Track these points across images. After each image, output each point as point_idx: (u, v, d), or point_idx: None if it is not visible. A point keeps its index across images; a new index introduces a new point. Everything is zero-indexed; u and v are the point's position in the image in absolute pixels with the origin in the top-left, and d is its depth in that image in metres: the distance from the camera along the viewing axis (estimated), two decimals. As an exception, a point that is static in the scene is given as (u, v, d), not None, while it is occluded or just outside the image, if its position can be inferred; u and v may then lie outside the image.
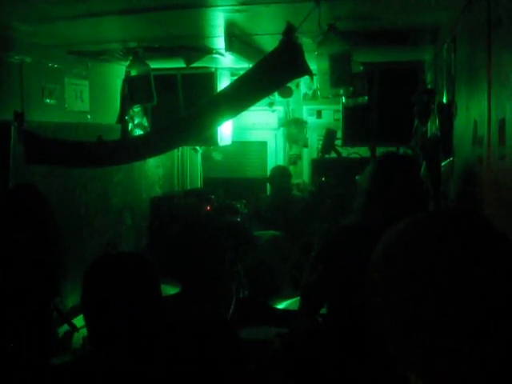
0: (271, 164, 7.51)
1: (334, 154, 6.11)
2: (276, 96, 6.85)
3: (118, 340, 1.88)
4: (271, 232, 5.24)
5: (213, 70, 6.22)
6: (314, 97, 7.23)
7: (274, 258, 5.02)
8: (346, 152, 6.19)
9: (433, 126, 4.80)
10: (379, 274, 0.98)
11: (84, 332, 3.46)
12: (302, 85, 7.22)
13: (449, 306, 0.89)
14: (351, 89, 4.16)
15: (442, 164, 4.22)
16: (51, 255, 3.79)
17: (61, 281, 3.91)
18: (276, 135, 7.56)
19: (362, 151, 6.15)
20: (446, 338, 0.89)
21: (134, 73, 5.18)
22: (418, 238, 0.96)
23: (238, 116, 5.07)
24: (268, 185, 6.47)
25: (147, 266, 2.00)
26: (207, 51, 5.16)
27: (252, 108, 4.87)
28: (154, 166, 6.82)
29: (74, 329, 4.08)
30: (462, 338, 0.88)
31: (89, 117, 5.57)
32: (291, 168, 7.06)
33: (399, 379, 1.00)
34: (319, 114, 7.39)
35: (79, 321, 3.88)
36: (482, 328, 0.88)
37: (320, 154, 6.29)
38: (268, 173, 7.37)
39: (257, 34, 4.56)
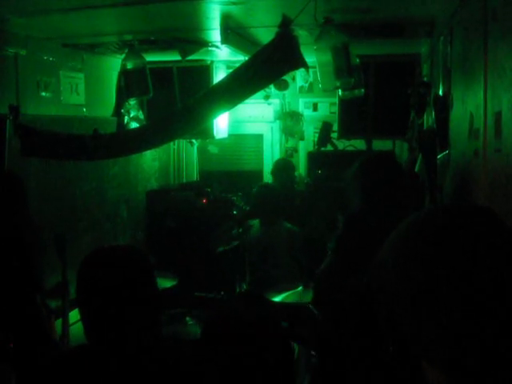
0: (267, 157, 7.51)
1: (330, 147, 6.11)
2: (272, 89, 6.84)
3: (114, 335, 1.88)
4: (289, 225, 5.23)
5: (208, 62, 6.20)
6: (310, 89, 7.23)
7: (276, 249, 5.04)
8: (342, 145, 6.19)
9: (429, 119, 4.81)
10: (392, 263, 0.99)
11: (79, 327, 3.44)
12: (298, 78, 7.21)
13: (462, 290, 0.89)
14: (352, 80, 4.16)
15: (438, 157, 4.23)
16: (29, 249, 3.77)
17: (41, 275, 3.88)
18: (272, 128, 7.55)
19: (358, 144, 6.15)
20: (460, 322, 0.89)
21: (129, 66, 5.16)
22: (429, 229, 0.97)
23: (234, 109, 5.06)
24: (265, 178, 6.46)
25: (142, 259, 2.00)
26: (203, 44, 5.15)
27: (248, 101, 4.86)
28: (150, 159, 6.81)
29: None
30: (476, 322, 0.89)
31: (84, 110, 5.56)
32: (287, 161, 7.05)
33: (411, 368, 1.00)
34: (315, 106, 7.38)
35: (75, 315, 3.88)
36: (498, 312, 0.88)
37: (316, 147, 6.29)
38: (264, 165, 7.39)
39: (253, 27, 4.55)
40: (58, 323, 3.98)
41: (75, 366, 1.91)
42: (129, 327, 1.87)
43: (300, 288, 4.23)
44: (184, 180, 7.57)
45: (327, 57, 4.01)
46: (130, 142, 4.38)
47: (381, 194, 3.14)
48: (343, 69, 4.00)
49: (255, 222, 5.20)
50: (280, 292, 4.28)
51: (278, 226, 5.13)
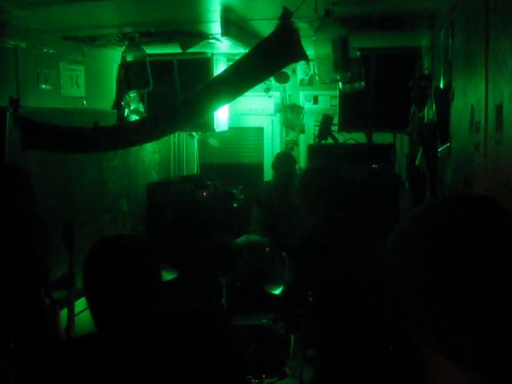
0: (268, 150, 7.50)
1: (330, 140, 6.10)
2: (272, 81, 6.84)
3: (115, 323, 1.89)
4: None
5: (209, 55, 6.20)
6: (310, 82, 7.22)
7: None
8: (342, 138, 6.18)
9: (430, 112, 4.79)
10: (395, 257, 0.99)
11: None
12: (299, 70, 7.20)
13: (469, 282, 0.89)
14: (349, 74, 4.15)
15: (439, 150, 4.22)
16: (35, 243, 3.77)
17: (46, 268, 3.89)
18: (273, 121, 7.54)
19: (359, 137, 6.15)
20: (466, 313, 0.90)
21: (129, 58, 5.16)
22: (433, 221, 0.97)
23: (235, 102, 5.06)
24: (265, 171, 6.45)
25: (146, 249, 2.02)
26: (203, 36, 5.14)
27: (248, 94, 4.86)
28: (150, 152, 6.80)
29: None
30: (481, 312, 0.89)
31: (84, 102, 5.55)
32: (288, 154, 7.05)
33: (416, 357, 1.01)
34: (316, 99, 7.37)
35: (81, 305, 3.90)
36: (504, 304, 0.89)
37: (316, 140, 6.29)
38: (264, 158, 7.38)
39: (253, 19, 4.53)
40: (64, 313, 4.00)
41: (74, 354, 1.93)
42: (130, 316, 1.88)
43: None
44: (184, 173, 7.58)
45: (325, 49, 4.00)
46: (130, 135, 4.37)
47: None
48: (341, 62, 3.99)
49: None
50: (279, 285, 4.29)
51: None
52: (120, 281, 1.89)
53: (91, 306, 1.95)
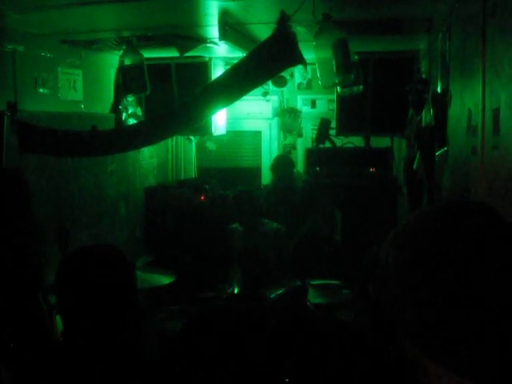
0: (265, 154, 7.51)
1: (328, 144, 6.11)
2: (270, 85, 6.84)
3: (87, 337, 1.86)
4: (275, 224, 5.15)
5: (207, 59, 6.20)
6: (308, 86, 7.23)
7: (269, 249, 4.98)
8: (340, 141, 6.19)
9: (427, 116, 4.80)
10: (392, 263, 0.99)
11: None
12: (297, 74, 7.21)
13: (462, 290, 0.89)
14: (352, 76, 4.15)
15: (437, 153, 4.23)
16: (32, 247, 3.77)
17: (42, 272, 3.88)
18: (270, 125, 7.55)
19: (357, 141, 6.15)
20: (465, 321, 0.89)
21: (127, 62, 5.16)
22: (428, 229, 0.97)
23: (232, 106, 5.07)
24: (263, 174, 6.43)
25: (121, 259, 1.95)
26: (201, 40, 5.14)
27: (246, 97, 4.86)
28: (148, 156, 6.80)
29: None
30: (481, 321, 0.89)
31: (82, 106, 5.55)
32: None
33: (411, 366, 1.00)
34: (314, 103, 7.38)
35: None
36: (502, 311, 0.88)
37: (314, 144, 6.29)
38: (262, 162, 7.38)
39: (251, 23, 4.54)
40: (60, 318, 3.99)
41: (70, 358, 1.91)
42: (107, 328, 1.85)
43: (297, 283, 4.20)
44: (182, 177, 7.58)
45: (327, 53, 4.01)
46: (128, 139, 4.37)
47: None
48: (343, 65, 4.00)
49: (237, 226, 5.10)
50: (276, 289, 4.28)
51: (261, 229, 5.01)
52: (90, 292, 1.84)
53: (63, 320, 1.92)
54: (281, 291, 4.16)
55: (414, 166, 4.61)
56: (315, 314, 3.52)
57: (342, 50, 3.98)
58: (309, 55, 3.94)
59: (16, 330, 3.53)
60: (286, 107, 7.38)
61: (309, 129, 7.45)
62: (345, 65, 4.01)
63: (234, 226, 5.07)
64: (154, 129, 4.28)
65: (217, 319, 1.90)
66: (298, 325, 3.38)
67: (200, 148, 7.63)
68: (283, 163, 5.98)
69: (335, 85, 4.41)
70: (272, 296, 4.18)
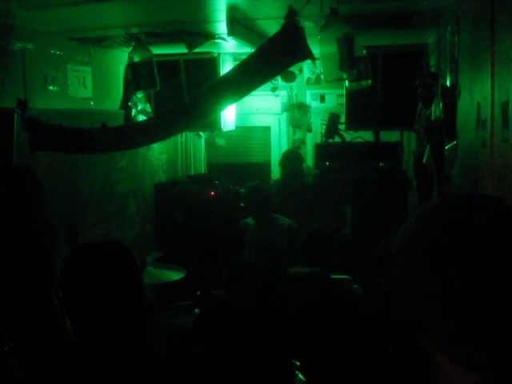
0: (275, 149, 7.51)
1: (337, 139, 6.10)
2: (279, 80, 6.83)
3: (95, 333, 1.87)
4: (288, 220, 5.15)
5: (215, 55, 6.20)
6: (317, 81, 7.21)
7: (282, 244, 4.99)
8: (349, 136, 6.18)
9: (436, 110, 4.79)
10: (403, 257, 0.99)
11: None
12: (306, 69, 7.19)
13: (476, 285, 0.89)
14: (354, 72, 4.15)
15: (446, 147, 4.22)
16: (44, 244, 3.78)
17: (54, 269, 3.90)
18: (279, 120, 7.54)
19: (366, 135, 6.14)
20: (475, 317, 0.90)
21: (136, 59, 5.17)
22: (439, 223, 0.96)
23: (241, 101, 5.06)
24: (273, 170, 6.42)
25: (126, 255, 1.96)
26: (209, 36, 5.14)
27: (255, 93, 4.86)
28: (157, 152, 6.82)
29: None
30: (491, 316, 0.89)
31: (92, 103, 5.57)
32: (295, 152, 7.04)
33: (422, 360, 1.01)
34: (322, 98, 7.36)
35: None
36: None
37: (324, 139, 6.28)
38: (271, 158, 7.38)
39: (259, 19, 4.54)
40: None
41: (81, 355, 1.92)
42: (112, 325, 1.87)
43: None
44: (192, 172, 7.59)
45: (331, 47, 4.00)
46: (137, 135, 4.38)
47: None
48: (347, 60, 3.99)
49: (250, 221, 5.13)
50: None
51: (274, 224, 5.03)
52: (95, 289, 1.85)
53: (69, 316, 1.93)
54: (301, 270, 4.11)
55: (424, 160, 4.60)
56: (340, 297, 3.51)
57: (346, 45, 3.97)
58: (316, 50, 3.94)
59: (16, 330, 3.54)
60: (294, 102, 7.37)
61: (318, 124, 7.44)
62: (349, 60, 4.00)
63: (247, 220, 5.09)
64: (163, 125, 4.29)
65: (219, 314, 1.90)
66: (320, 309, 3.35)
67: (209, 144, 7.64)
68: (292, 158, 5.97)
69: (339, 79, 4.40)
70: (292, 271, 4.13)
